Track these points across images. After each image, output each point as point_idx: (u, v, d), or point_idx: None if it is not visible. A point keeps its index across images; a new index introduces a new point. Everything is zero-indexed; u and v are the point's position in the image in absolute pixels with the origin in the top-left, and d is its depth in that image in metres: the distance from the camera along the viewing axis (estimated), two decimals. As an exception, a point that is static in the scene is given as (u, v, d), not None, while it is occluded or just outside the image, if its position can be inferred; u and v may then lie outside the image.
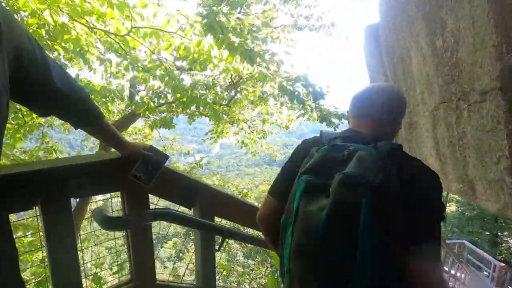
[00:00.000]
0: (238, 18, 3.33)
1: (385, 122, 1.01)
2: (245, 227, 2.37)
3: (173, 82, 3.48)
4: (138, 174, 1.33)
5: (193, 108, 4.39)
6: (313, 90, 3.28)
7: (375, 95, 1.03)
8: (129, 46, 3.12)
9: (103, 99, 4.69)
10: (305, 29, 6.04)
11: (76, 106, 1.07)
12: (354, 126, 1.05)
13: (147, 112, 3.96)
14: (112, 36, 3.10)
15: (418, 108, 3.10)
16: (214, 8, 2.57)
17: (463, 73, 2.09)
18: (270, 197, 1.13)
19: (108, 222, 1.25)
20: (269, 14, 5.68)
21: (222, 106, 5.39)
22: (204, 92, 5.21)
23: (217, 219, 1.83)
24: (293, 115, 5.93)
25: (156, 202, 1.61)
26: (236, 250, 18.67)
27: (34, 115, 4.94)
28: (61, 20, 3.16)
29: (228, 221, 2.10)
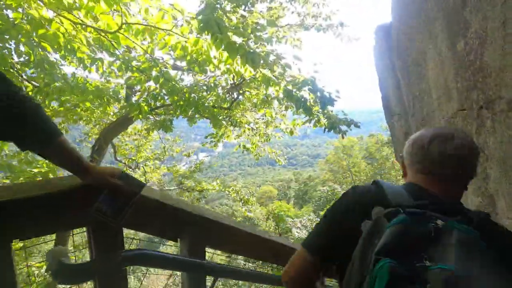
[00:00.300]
0: (241, 15, 3.05)
1: (465, 181, 0.86)
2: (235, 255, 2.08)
3: (169, 84, 3.20)
4: (104, 208, 1.05)
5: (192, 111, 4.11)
6: (321, 96, 2.99)
7: (451, 144, 0.84)
8: (121, 44, 2.85)
9: (99, 100, 4.44)
10: (312, 28, 5.76)
11: (17, 122, 0.86)
12: (424, 183, 0.86)
13: (140, 116, 3.69)
14: (103, 34, 2.84)
15: (433, 114, 2.94)
16: (218, 6, 2.30)
17: (488, 78, 1.90)
18: (306, 253, 0.91)
19: (64, 273, 0.96)
20: (275, 12, 5.40)
21: (223, 110, 5.11)
22: (205, 93, 4.94)
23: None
24: (298, 120, 5.64)
25: (133, 235, 1.33)
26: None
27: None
28: (48, 15, 2.91)
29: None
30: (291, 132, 5.77)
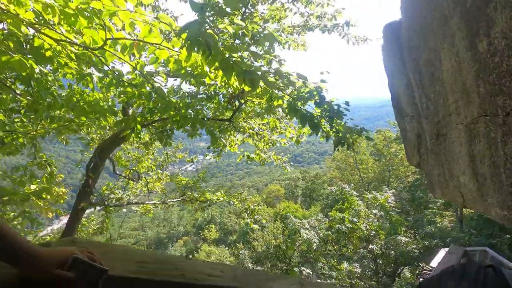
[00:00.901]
0: (238, 24, 2.77)
1: None
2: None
3: (163, 100, 2.95)
4: None
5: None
6: (330, 109, 2.71)
7: None
8: (108, 60, 2.61)
9: (96, 115, 4.22)
10: (317, 29, 5.46)
11: None
12: None
13: (133, 135, 3.44)
14: (88, 50, 2.60)
15: (449, 118, 2.68)
16: (207, 20, 2.02)
17: (518, 83, 1.64)
18: None
19: None
20: (277, 14, 5.12)
21: (223, 122, 4.85)
22: (204, 103, 4.68)
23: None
24: (304, 129, 5.34)
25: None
26: (244, 256, 18.35)
27: (20, 137, 4.50)
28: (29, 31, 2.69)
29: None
30: (298, 142, 5.48)
